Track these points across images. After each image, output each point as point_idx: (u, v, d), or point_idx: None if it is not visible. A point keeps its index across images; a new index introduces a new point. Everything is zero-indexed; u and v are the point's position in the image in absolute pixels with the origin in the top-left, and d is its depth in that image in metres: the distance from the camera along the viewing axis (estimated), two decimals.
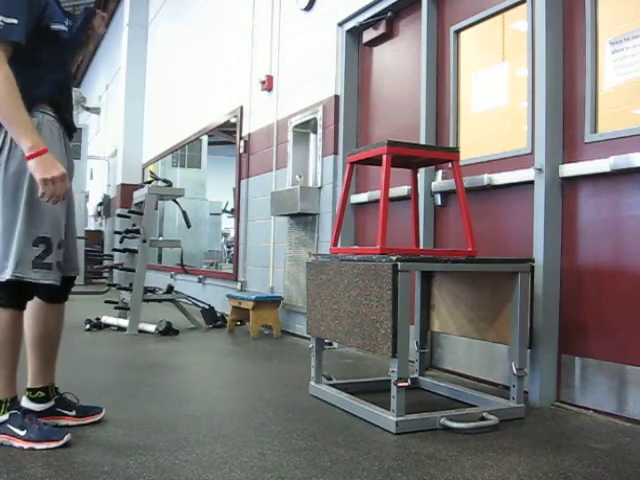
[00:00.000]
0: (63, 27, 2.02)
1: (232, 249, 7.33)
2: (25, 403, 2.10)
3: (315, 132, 4.50)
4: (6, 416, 1.92)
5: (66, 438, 1.91)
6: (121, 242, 5.05)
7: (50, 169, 1.82)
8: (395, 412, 2.15)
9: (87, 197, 11.28)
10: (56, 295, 2.09)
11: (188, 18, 7.60)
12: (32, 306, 2.05)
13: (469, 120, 3.22)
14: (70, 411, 2.15)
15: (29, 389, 2.13)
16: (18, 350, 1.96)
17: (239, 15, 5.89)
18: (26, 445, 1.88)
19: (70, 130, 2.13)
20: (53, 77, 2.01)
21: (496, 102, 3.05)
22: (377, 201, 3.14)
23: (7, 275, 1.88)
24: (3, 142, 1.91)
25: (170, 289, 5.28)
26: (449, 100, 3.30)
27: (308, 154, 4.68)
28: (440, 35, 3.42)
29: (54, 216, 1.96)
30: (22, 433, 1.89)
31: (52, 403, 2.14)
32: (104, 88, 12.40)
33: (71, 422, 2.13)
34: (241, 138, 5.69)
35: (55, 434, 1.92)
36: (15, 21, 1.82)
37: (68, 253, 2.10)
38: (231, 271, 6.03)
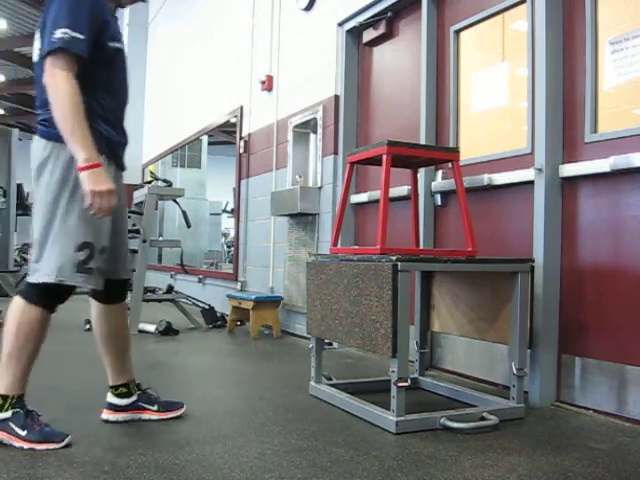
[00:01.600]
0: (120, 45, 2.08)
1: (232, 249, 7.34)
2: (110, 399, 2.21)
3: (315, 132, 4.50)
4: (9, 413, 1.92)
5: (67, 440, 1.92)
6: None
7: (100, 183, 1.87)
8: (395, 412, 2.15)
9: None
10: (112, 297, 2.18)
11: (188, 18, 7.60)
12: (96, 308, 2.16)
13: (469, 120, 3.22)
14: (152, 405, 2.25)
15: (111, 387, 2.23)
16: (37, 350, 1.99)
17: (239, 15, 5.89)
18: (26, 445, 1.88)
19: (121, 161, 2.19)
20: (105, 101, 2.04)
21: (496, 102, 3.05)
22: (377, 201, 3.14)
23: (50, 278, 1.91)
24: (50, 151, 1.95)
25: (170, 289, 5.28)
26: (449, 100, 3.30)
27: (308, 154, 4.68)
28: (440, 35, 3.42)
29: (97, 223, 1.99)
30: (23, 433, 1.89)
31: (135, 398, 2.24)
32: None
33: (153, 416, 2.23)
34: (241, 138, 5.69)
35: (56, 436, 1.93)
36: (81, 37, 1.87)
37: (119, 255, 2.19)
38: (231, 271, 6.03)
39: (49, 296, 1.97)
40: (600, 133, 2.48)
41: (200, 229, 9.64)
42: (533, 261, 2.52)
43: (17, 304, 1.96)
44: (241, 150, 5.67)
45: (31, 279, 1.95)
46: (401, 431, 2.12)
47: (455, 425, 2.15)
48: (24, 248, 8.77)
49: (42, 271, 1.93)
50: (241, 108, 5.73)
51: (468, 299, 2.68)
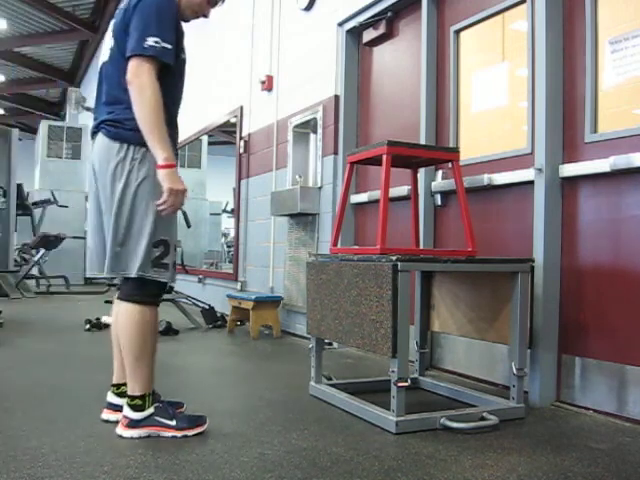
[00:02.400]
0: (185, 58, 2.19)
1: (232, 249, 7.33)
2: (110, 398, 2.21)
3: (315, 132, 4.50)
4: (152, 409, 2.02)
5: (207, 421, 2.08)
6: None
7: (177, 182, 1.98)
8: (395, 412, 2.15)
9: (87, 197, 11.31)
10: None
11: None
12: (120, 307, 2.14)
13: (469, 120, 3.22)
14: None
15: (113, 385, 2.22)
16: (157, 343, 2.10)
17: (239, 15, 5.89)
18: (179, 434, 2.00)
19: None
20: (168, 107, 2.09)
21: (496, 102, 3.05)
22: (377, 201, 3.14)
23: (134, 273, 2.00)
24: (125, 154, 2.01)
25: (170, 289, 5.27)
26: (449, 100, 3.30)
27: (308, 154, 4.68)
28: (440, 35, 3.42)
29: (172, 221, 2.11)
30: (173, 423, 2.01)
31: None
32: None
33: None
34: (241, 138, 5.69)
35: (199, 419, 2.07)
36: (170, 47, 1.99)
37: None
38: (231, 271, 6.03)
39: (154, 292, 2.07)
40: (600, 133, 2.48)
41: (200, 229, 9.63)
42: (533, 261, 2.52)
43: (128, 309, 2.04)
44: (241, 150, 5.67)
45: (112, 274, 2.03)
46: (401, 431, 2.12)
47: (455, 425, 2.15)
48: (24, 248, 8.76)
49: (124, 265, 2.01)
50: (241, 108, 5.73)
51: (468, 299, 2.68)
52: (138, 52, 1.94)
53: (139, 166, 2.00)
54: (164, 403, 2.10)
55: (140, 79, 1.93)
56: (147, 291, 2.05)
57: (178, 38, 2.07)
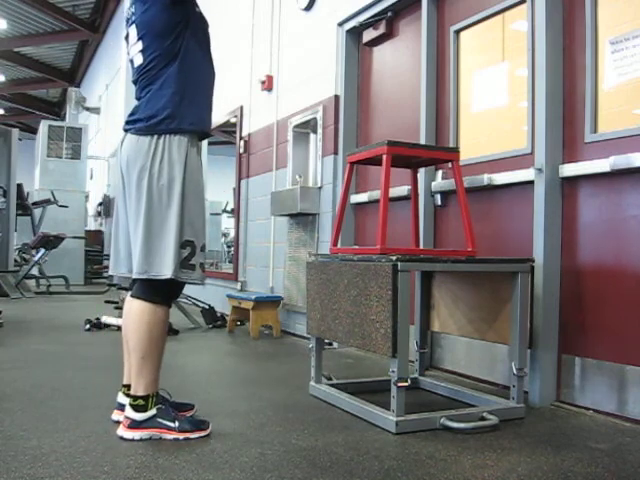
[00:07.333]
0: (204, 17, 2.25)
1: (232, 249, 7.34)
2: (121, 399, 2.18)
3: (315, 132, 4.50)
4: (154, 410, 2.00)
5: (210, 426, 2.05)
6: None
7: None
8: (395, 412, 2.15)
9: (87, 197, 11.29)
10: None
11: None
12: (132, 304, 2.12)
13: (469, 120, 3.22)
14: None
15: (124, 385, 2.20)
16: (165, 345, 2.09)
17: (239, 15, 5.89)
18: (182, 436, 1.98)
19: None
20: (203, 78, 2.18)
21: (496, 102, 3.05)
22: (377, 201, 3.14)
23: (169, 274, 1.99)
24: (155, 150, 2.00)
25: None
26: (449, 100, 3.30)
27: (308, 154, 4.68)
28: (440, 35, 3.42)
29: (198, 222, 2.12)
30: (175, 425, 1.99)
31: None
32: (104, 88, 12.40)
33: None
34: (241, 138, 5.69)
35: (202, 423, 2.05)
36: None
37: None
38: (231, 271, 6.03)
39: (167, 292, 2.06)
40: (600, 133, 2.48)
41: None
42: (533, 261, 2.51)
43: (140, 307, 2.03)
44: (241, 150, 5.68)
45: (144, 276, 2.00)
46: (401, 431, 2.12)
47: (455, 425, 2.15)
48: (24, 248, 8.77)
49: (157, 268, 1.99)
50: (241, 108, 5.73)
51: (468, 299, 2.68)
52: None
53: (168, 167, 2.00)
54: (166, 404, 2.09)
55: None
56: (160, 290, 2.03)
57: None
